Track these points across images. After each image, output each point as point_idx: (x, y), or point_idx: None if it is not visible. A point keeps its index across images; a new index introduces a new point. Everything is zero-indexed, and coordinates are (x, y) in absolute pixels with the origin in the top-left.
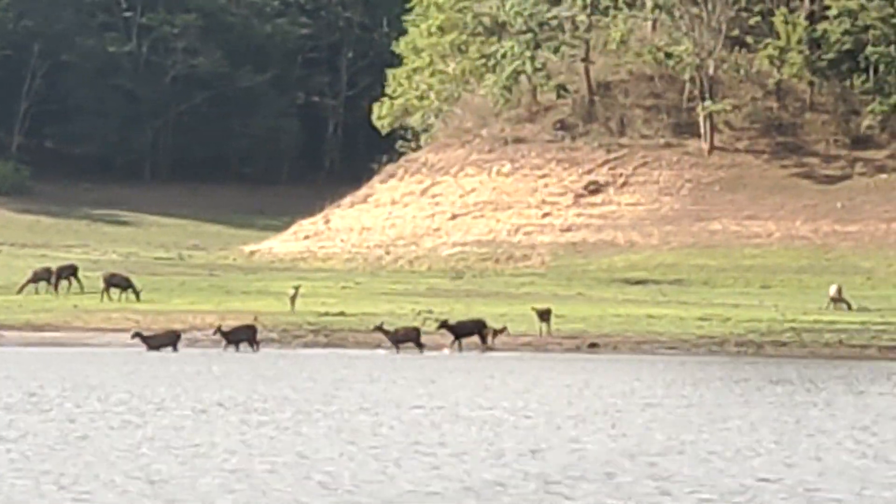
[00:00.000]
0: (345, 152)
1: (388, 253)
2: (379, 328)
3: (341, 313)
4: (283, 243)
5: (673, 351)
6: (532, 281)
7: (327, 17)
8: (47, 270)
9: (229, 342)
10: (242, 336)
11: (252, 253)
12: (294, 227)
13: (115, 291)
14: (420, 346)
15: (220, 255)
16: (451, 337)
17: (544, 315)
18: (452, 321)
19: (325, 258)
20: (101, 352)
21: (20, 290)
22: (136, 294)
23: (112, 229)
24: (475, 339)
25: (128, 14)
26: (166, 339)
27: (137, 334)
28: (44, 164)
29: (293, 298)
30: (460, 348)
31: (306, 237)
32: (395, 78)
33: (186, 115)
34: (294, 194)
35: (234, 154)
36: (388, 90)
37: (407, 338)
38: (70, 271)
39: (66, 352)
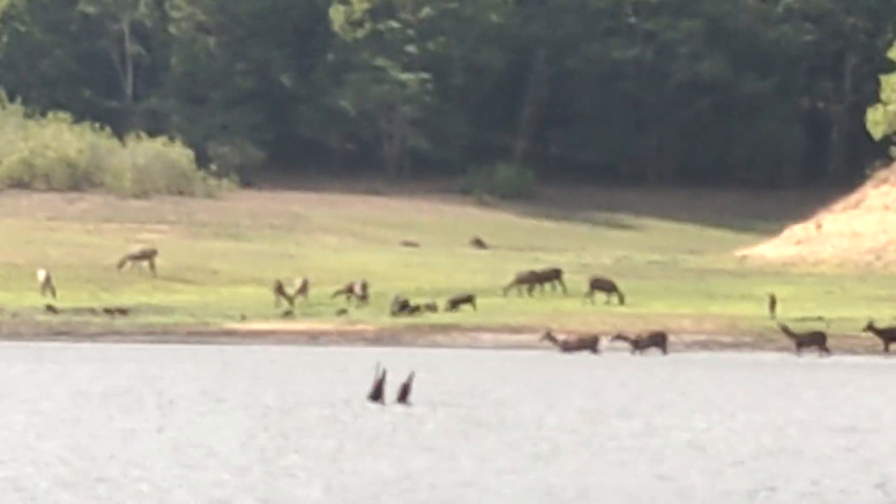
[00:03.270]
0: (847, 158)
1: (878, 258)
2: (784, 328)
3: (819, 318)
4: (775, 248)
5: None
6: None
7: (832, 23)
8: (532, 273)
9: (637, 348)
10: (651, 342)
11: (743, 258)
12: (786, 232)
13: (600, 295)
14: (824, 349)
15: (712, 260)
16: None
17: None
18: (882, 325)
19: (816, 263)
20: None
21: (506, 293)
22: (621, 298)
23: (612, 233)
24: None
25: (632, 20)
26: (581, 344)
27: (548, 335)
28: (548, 169)
29: (772, 304)
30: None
31: (797, 242)
32: (889, 84)
33: (690, 120)
34: (796, 200)
35: (736, 159)
36: (883, 96)
37: (813, 341)
38: (554, 275)
39: (531, 355)
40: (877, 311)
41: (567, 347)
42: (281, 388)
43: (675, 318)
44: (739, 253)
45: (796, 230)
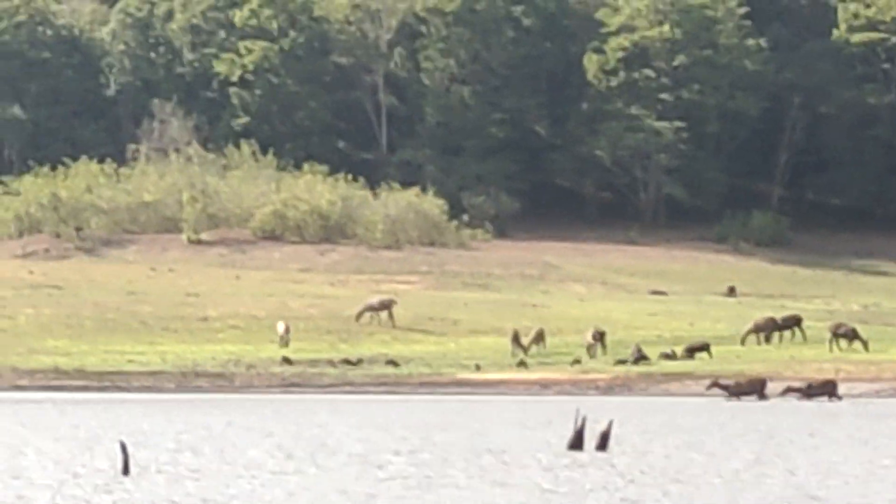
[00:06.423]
0: None
1: None
2: None
3: None
4: None
5: None
6: None
7: None
8: (770, 321)
9: (732, 395)
10: (751, 390)
11: None
12: None
13: (843, 343)
14: None
15: None
16: None
17: None
18: None
19: None
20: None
21: (743, 341)
22: (864, 345)
23: (866, 280)
24: None
25: (886, 66)
26: (748, 388)
27: (715, 384)
28: (803, 216)
29: None
30: None
31: None
32: None
33: None
34: None
35: None
36: None
37: None
38: (793, 322)
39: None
40: None
41: (732, 393)
42: (485, 436)
43: None
44: None
45: None
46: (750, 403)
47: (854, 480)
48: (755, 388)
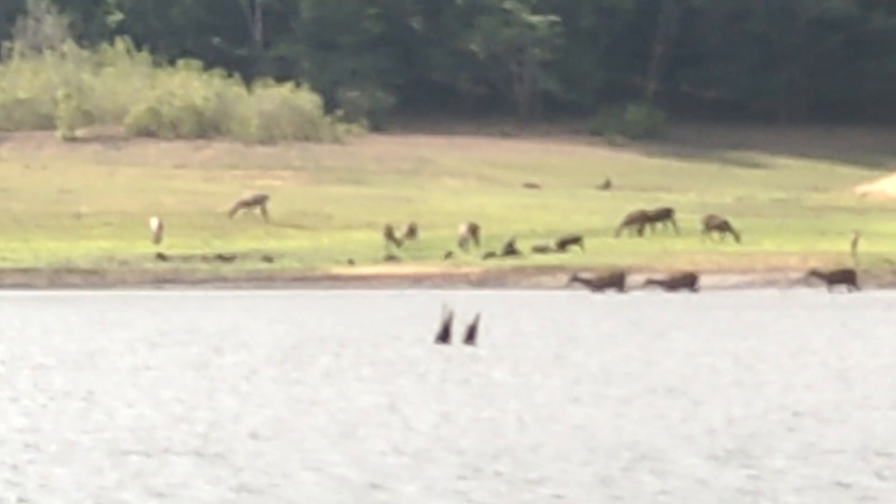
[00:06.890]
0: None
1: None
2: (813, 271)
3: None
4: None
5: None
6: None
7: None
8: (642, 213)
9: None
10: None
11: (864, 194)
12: None
13: (715, 234)
14: (854, 286)
15: (834, 197)
16: None
17: None
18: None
19: None
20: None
21: (617, 234)
22: (736, 237)
23: (741, 172)
24: None
25: None
26: (609, 281)
27: (575, 278)
28: (678, 109)
29: (854, 242)
30: None
31: None
32: None
33: (820, 57)
34: None
35: (867, 96)
36: None
37: (843, 279)
38: (664, 214)
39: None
40: None
41: (596, 286)
42: (354, 329)
43: (782, 255)
44: (861, 190)
45: None
46: (614, 296)
47: (715, 369)
48: (615, 280)
